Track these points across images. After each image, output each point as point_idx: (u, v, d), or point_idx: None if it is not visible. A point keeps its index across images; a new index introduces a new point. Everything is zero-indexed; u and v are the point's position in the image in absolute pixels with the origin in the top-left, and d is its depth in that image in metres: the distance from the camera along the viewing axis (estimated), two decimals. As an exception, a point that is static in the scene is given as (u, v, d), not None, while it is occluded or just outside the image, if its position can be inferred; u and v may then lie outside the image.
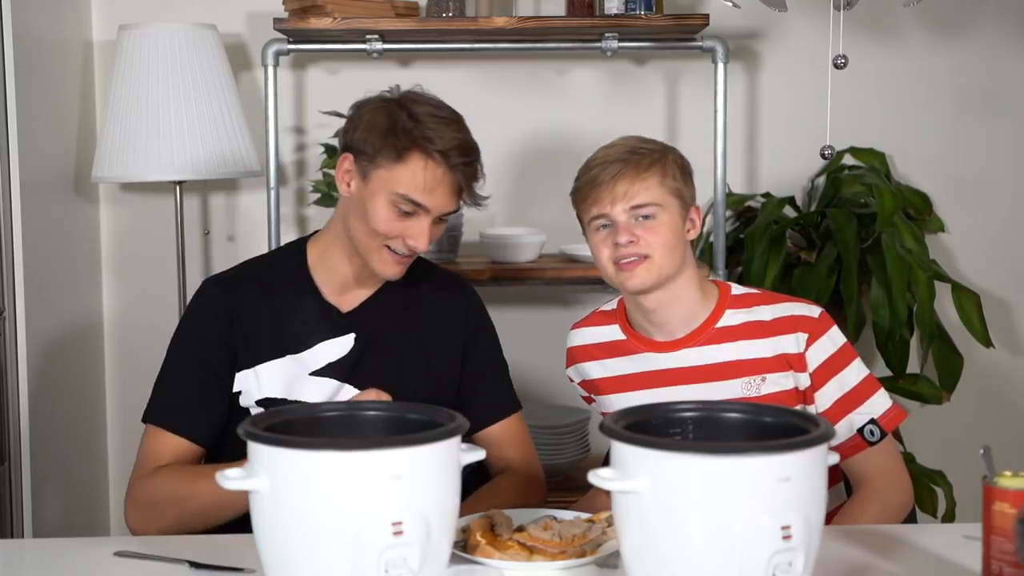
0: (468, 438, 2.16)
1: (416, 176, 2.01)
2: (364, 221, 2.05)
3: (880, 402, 2.08)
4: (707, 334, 2.10)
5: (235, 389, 2.10)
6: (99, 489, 3.37)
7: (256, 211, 3.37)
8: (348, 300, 2.16)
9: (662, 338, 2.14)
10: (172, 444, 2.05)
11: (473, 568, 1.65)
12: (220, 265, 3.35)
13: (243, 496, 1.89)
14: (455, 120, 2.07)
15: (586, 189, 2.09)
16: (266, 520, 1.53)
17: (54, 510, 2.98)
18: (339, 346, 2.14)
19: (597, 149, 2.15)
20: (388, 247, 2.06)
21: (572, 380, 2.30)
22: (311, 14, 3.05)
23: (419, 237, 2.04)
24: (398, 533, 1.48)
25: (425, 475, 1.52)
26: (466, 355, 2.22)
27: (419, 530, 1.50)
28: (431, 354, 2.19)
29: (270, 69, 3.14)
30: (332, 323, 2.14)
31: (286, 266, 2.18)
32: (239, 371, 2.10)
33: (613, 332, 2.20)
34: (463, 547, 1.76)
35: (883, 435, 2.06)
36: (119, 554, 1.81)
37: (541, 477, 2.23)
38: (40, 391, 2.90)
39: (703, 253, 3.24)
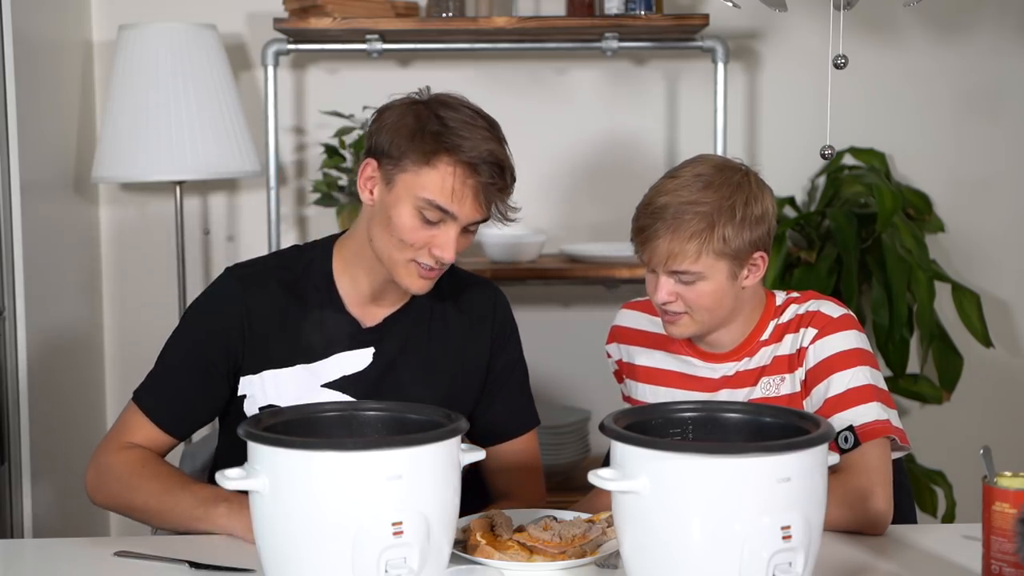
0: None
1: (445, 181, 1.90)
2: (388, 231, 1.95)
3: (866, 413, 1.97)
4: (750, 347, 2.09)
5: (240, 393, 2.05)
6: (99, 489, 3.37)
7: (256, 211, 3.36)
8: (372, 313, 2.06)
9: (709, 350, 2.12)
10: (146, 429, 2.03)
11: (473, 568, 1.65)
12: (219, 266, 3.35)
13: (179, 514, 1.92)
14: (488, 127, 1.95)
15: (635, 236, 2.03)
16: (266, 520, 1.53)
17: (54, 510, 2.98)
18: (357, 359, 2.05)
19: (664, 177, 2.05)
20: (415, 260, 1.95)
21: (610, 356, 2.28)
22: (311, 14, 3.05)
23: (446, 247, 1.93)
24: (398, 533, 1.48)
25: (425, 475, 1.52)
26: (490, 363, 2.13)
27: (419, 530, 1.50)
28: (457, 371, 2.10)
29: (270, 69, 3.14)
30: (352, 336, 2.05)
31: (312, 269, 2.07)
32: (243, 375, 2.04)
33: (663, 326, 2.17)
34: (463, 547, 1.76)
35: (856, 443, 1.95)
36: (119, 554, 1.81)
37: (544, 499, 2.18)
38: (40, 391, 2.90)
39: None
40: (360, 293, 2.06)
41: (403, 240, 1.94)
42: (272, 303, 2.04)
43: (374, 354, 2.06)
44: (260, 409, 2.03)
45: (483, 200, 1.93)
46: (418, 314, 2.09)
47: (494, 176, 1.92)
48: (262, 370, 2.04)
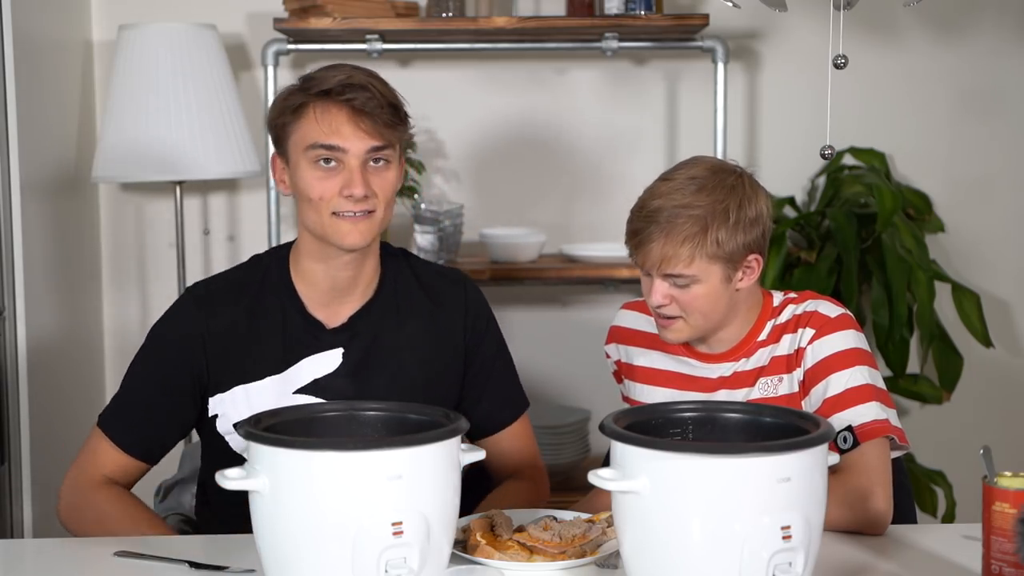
0: (474, 441, 2.11)
1: (316, 121, 1.93)
2: (304, 200, 1.96)
3: (865, 412, 1.96)
4: (747, 348, 2.09)
5: (211, 413, 2.03)
6: (99, 489, 3.37)
7: (256, 211, 3.37)
8: (335, 313, 2.04)
9: (706, 351, 2.12)
10: (115, 457, 2.02)
11: (473, 568, 1.65)
12: (219, 266, 3.35)
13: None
14: (354, 67, 1.99)
15: (629, 239, 2.03)
16: (266, 520, 1.53)
17: (54, 510, 2.97)
18: (326, 362, 2.02)
19: (658, 179, 2.04)
20: (335, 213, 1.94)
21: (609, 356, 2.27)
22: (311, 14, 3.05)
23: (353, 182, 1.92)
24: (398, 533, 1.49)
25: (425, 475, 1.52)
26: (469, 356, 2.11)
27: (419, 530, 1.50)
28: (430, 363, 2.08)
29: (270, 69, 3.15)
30: (318, 339, 2.02)
31: (269, 276, 2.05)
32: (212, 395, 2.02)
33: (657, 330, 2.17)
34: (463, 547, 1.76)
35: (855, 443, 1.95)
36: (119, 554, 1.81)
37: (546, 477, 2.19)
38: (40, 391, 2.90)
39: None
40: (320, 292, 2.03)
41: (313, 199, 1.95)
42: (233, 319, 2.02)
43: (343, 354, 2.03)
44: (235, 427, 2.01)
45: (362, 123, 1.93)
46: (384, 310, 2.06)
47: (357, 94, 1.93)
48: (232, 386, 2.01)
